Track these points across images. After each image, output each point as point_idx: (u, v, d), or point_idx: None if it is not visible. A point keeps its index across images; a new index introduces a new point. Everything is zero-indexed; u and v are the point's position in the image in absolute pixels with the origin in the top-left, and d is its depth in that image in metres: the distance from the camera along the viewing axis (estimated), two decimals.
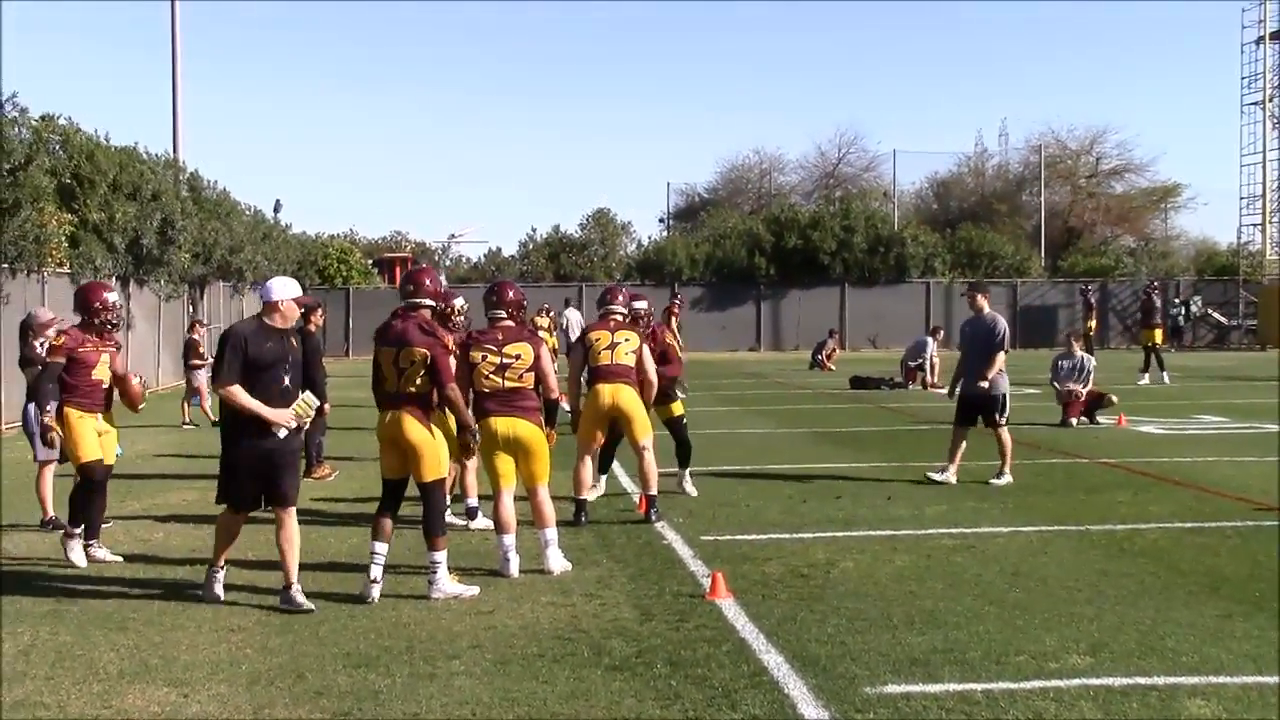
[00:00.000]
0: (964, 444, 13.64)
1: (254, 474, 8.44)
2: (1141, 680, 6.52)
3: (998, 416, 13.68)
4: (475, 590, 8.69)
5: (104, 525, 10.51)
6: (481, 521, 11.01)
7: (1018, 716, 6.01)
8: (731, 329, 51.63)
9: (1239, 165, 54.30)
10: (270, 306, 8.52)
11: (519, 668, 6.93)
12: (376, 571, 8.60)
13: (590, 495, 11.65)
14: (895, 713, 6.08)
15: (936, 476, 13.49)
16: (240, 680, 6.81)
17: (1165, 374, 28.54)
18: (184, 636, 7.69)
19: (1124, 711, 6.06)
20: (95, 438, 10.15)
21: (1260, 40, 51.52)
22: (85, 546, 10.01)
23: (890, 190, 66.87)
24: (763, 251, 52.93)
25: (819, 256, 52.41)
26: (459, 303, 11.37)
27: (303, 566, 8.68)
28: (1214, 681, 6.51)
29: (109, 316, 10.29)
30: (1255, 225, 53.82)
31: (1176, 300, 51.40)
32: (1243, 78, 53.64)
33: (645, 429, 11.55)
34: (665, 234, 66.87)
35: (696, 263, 53.82)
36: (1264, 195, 51.81)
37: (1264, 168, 51.74)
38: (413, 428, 8.63)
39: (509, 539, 9.23)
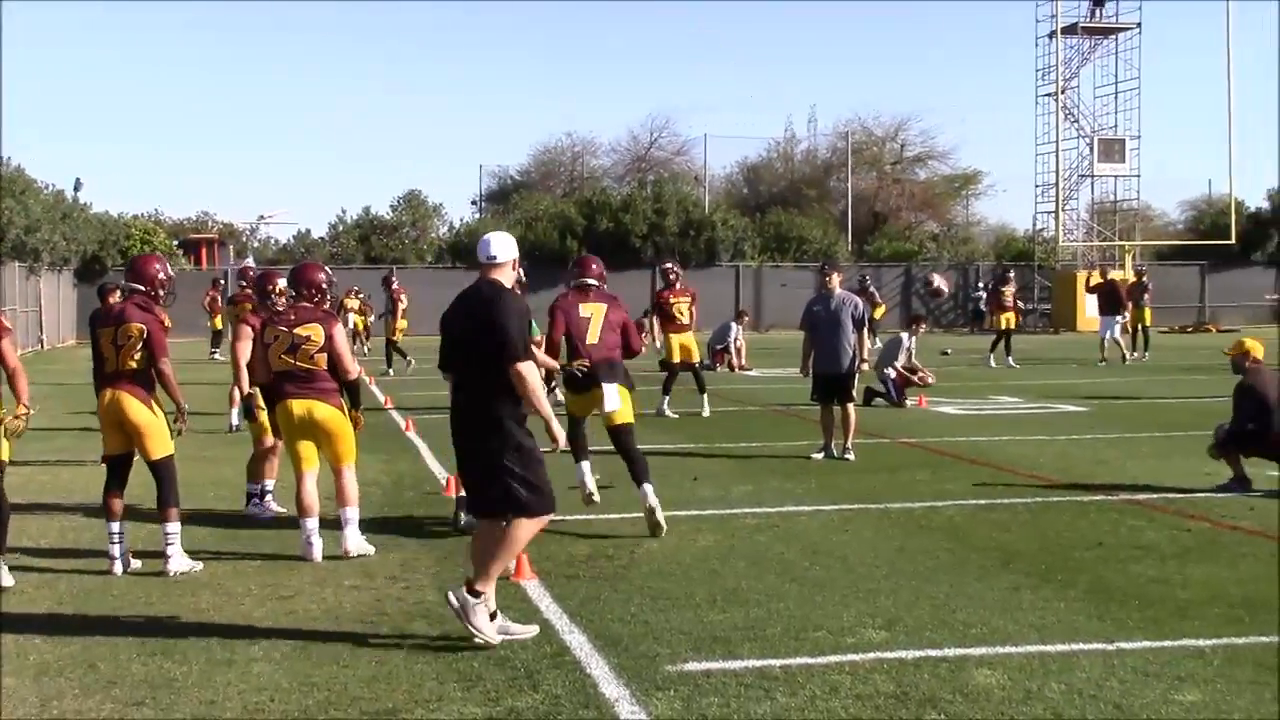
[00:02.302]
0: (833, 420, 14.03)
1: None
2: (933, 652, 6.71)
3: (853, 393, 14.12)
4: (200, 565, 8.81)
5: None
6: (264, 507, 10.86)
7: (814, 690, 6.12)
8: (543, 311, 51.33)
9: (1034, 154, 56.07)
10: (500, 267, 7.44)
11: (319, 652, 6.84)
12: (116, 549, 8.75)
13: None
14: (695, 689, 6.15)
15: (817, 456, 14.01)
16: (27, 672, 6.60)
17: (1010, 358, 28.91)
18: None
19: (915, 682, 6.22)
20: None
21: (1053, 34, 53.16)
22: None
23: (701, 174, 67.56)
24: (574, 234, 52.99)
25: (630, 239, 52.67)
26: (281, 283, 11.19)
27: (82, 554, 8.46)
28: (1000, 651, 6.73)
29: None
30: (1049, 213, 55.60)
31: (979, 285, 52.85)
32: (1037, 70, 55.37)
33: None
34: (477, 216, 66.56)
35: None
36: (1057, 184, 53.50)
37: (1057, 157, 53.44)
38: (133, 407, 8.78)
39: (311, 522, 9.12)
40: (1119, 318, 29.59)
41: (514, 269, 7.46)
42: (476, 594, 6.95)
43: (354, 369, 9.32)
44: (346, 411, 9.26)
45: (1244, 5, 73.62)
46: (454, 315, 7.41)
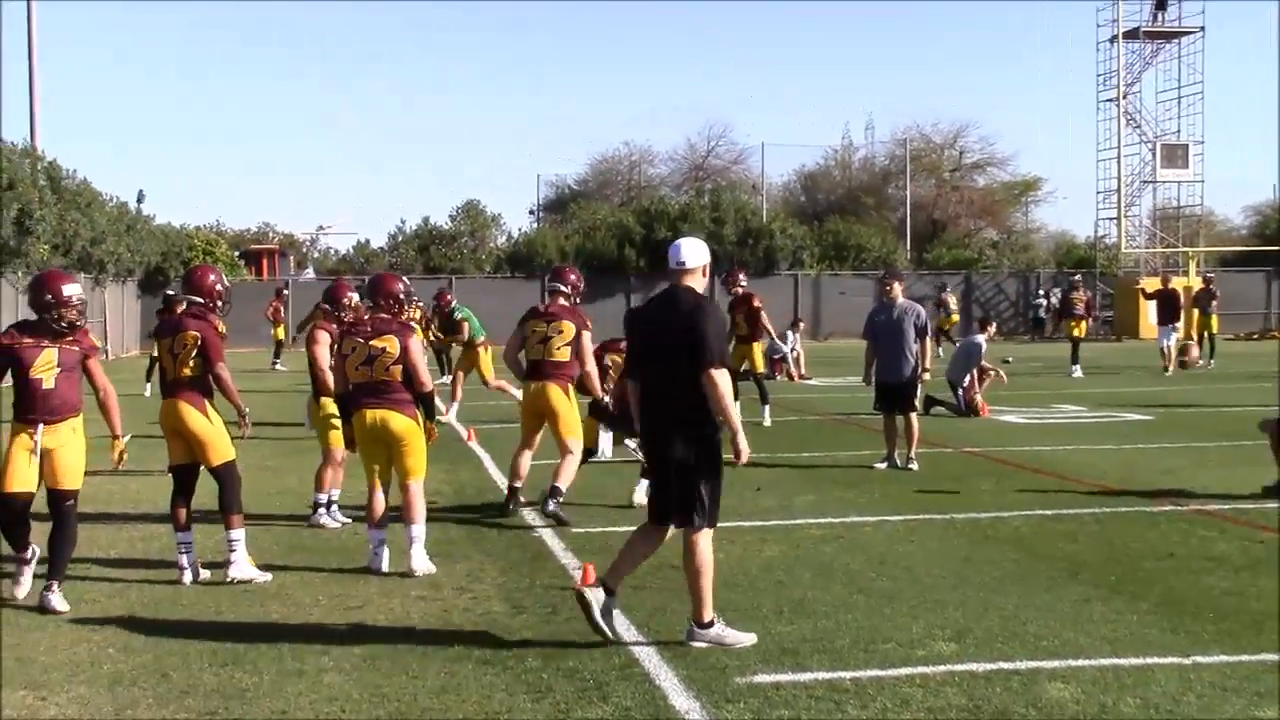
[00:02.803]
0: (896, 429, 14.01)
1: None
2: (1004, 665, 6.66)
3: (916, 403, 14.14)
4: (269, 577, 8.86)
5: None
6: (331, 517, 10.90)
7: (885, 703, 6.09)
8: (602, 321, 50.54)
9: (1095, 160, 55.63)
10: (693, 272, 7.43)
11: (389, 663, 6.87)
12: (185, 560, 8.87)
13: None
14: (765, 702, 6.14)
15: (880, 465, 13.98)
16: (101, 681, 6.67)
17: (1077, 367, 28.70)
18: (43, 638, 7.51)
19: (987, 695, 6.18)
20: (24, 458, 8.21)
21: (1114, 39, 52.73)
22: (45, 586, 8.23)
23: (759, 183, 67.47)
24: (632, 243, 52.98)
25: None
26: (354, 296, 11.32)
27: (152, 564, 8.53)
28: (1073, 664, 6.67)
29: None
30: (1111, 219, 55.12)
31: (1040, 292, 52.48)
32: (1098, 75, 54.95)
33: (569, 428, 11.26)
34: (535, 226, 66.76)
35: (567, 255, 53.68)
36: (1119, 190, 53.04)
37: (1119, 163, 52.99)
38: (190, 415, 8.88)
39: (380, 533, 9.17)
40: (1175, 325, 29.24)
41: (704, 275, 7.45)
42: (705, 625, 7.11)
43: (428, 381, 9.31)
44: (421, 423, 9.24)
45: None
46: (647, 321, 7.46)
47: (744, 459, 7.33)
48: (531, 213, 72.30)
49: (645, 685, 6.43)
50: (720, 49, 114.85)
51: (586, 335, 11.33)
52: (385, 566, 9.09)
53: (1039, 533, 10.26)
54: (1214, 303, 32.51)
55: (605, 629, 7.11)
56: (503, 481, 13.12)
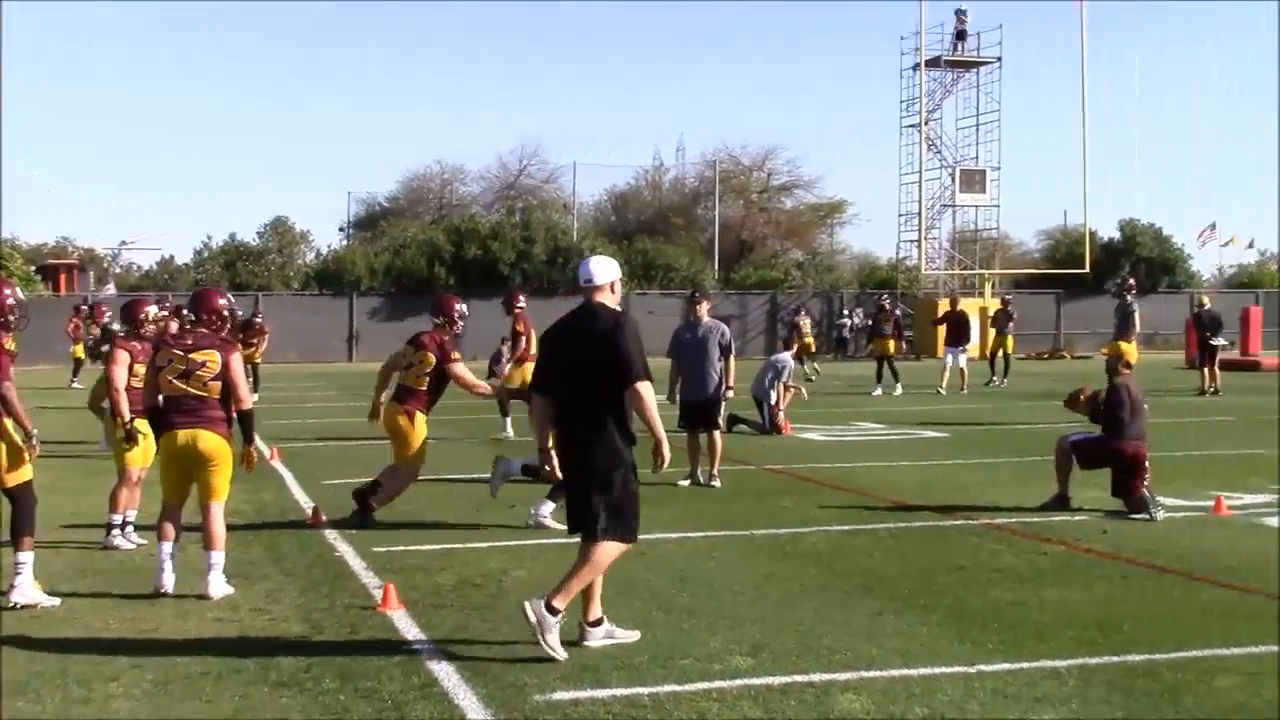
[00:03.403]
0: (700, 447, 14.11)
1: None
2: (799, 678, 6.79)
3: (720, 421, 14.25)
4: (57, 601, 8.56)
5: None
6: (126, 538, 10.66)
7: (682, 717, 6.17)
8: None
9: (898, 184, 57.03)
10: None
11: (181, 687, 6.73)
12: None
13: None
14: (564, 719, 6.17)
15: (683, 483, 13.99)
16: None
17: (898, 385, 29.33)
18: None
19: (782, 708, 6.31)
20: None
21: (917, 66, 54.16)
22: None
23: (570, 202, 67.61)
24: (443, 261, 52.71)
25: (499, 267, 52.55)
26: (152, 309, 11.10)
27: None
28: (864, 675, 6.84)
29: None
30: (912, 241, 56.54)
31: (844, 312, 53.57)
32: (901, 101, 56.39)
33: (400, 451, 11.97)
34: (345, 243, 65.94)
35: (376, 272, 53.25)
36: (920, 213, 54.42)
37: (920, 187, 54.35)
38: None
39: (168, 548, 8.92)
40: (964, 347, 30.09)
41: (614, 291, 7.63)
42: (554, 611, 7.18)
43: (249, 399, 9.12)
44: (232, 446, 9.01)
45: (1099, 41, 75.58)
46: (563, 337, 7.58)
47: (665, 465, 7.60)
48: (341, 230, 71.46)
49: (444, 704, 6.41)
50: (533, 67, 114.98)
51: (453, 366, 12.01)
52: (170, 586, 8.83)
53: (836, 548, 10.49)
54: (1011, 323, 33.57)
55: (549, 649, 7.14)
56: (305, 500, 12.98)
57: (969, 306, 49.14)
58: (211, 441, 8.93)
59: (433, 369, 11.93)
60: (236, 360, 9.12)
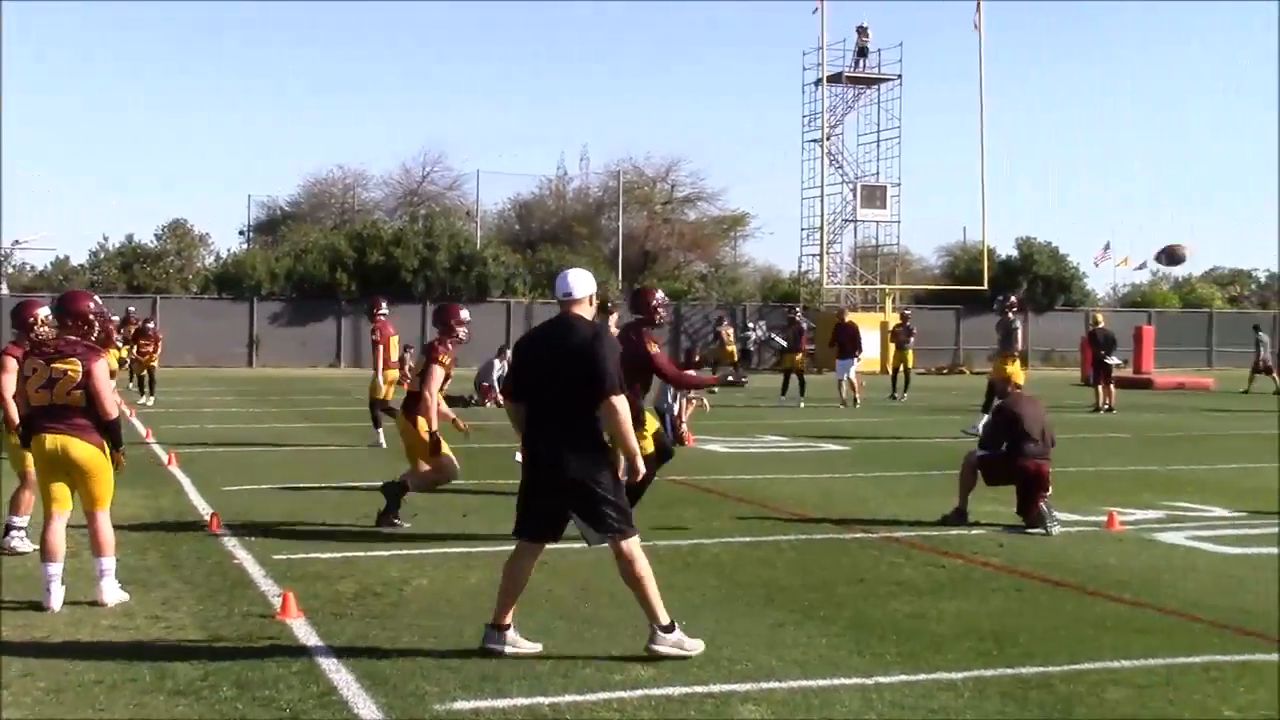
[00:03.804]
0: None
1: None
2: (699, 689, 6.81)
3: None
4: None
5: None
6: (24, 541, 10.48)
7: None
8: (312, 344, 50.80)
9: (800, 198, 57.56)
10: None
11: (74, 695, 6.62)
12: None
13: None
14: None
15: None
16: None
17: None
18: None
19: (682, 718, 6.33)
20: None
21: (819, 82, 54.67)
22: None
23: (473, 210, 67.40)
24: (345, 267, 52.37)
25: (401, 273, 52.29)
26: (42, 312, 10.80)
27: None
28: (764, 687, 6.88)
29: None
30: (814, 255, 57.04)
31: (749, 325, 53.86)
32: (803, 116, 56.93)
33: (421, 456, 12.15)
34: (245, 246, 65.23)
35: (277, 277, 52.77)
36: (822, 227, 54.91)
37: (822, 201, 54.84)
38: None
39: (54, 568, 8.60)
40: (856, 358, 30.47)
41: (591, 304, 7.70)
42: (668, 629, 7.40)
43: (113, 409, 8.79)
44: (107, 451, 8.78)
45: (997, 59, 76.61)
46: (541, 346, 7.67)
47: (638, 479, 7.63)
48: (241, 233, 70.61)
49: (343, 713, 6.36)
50: (437, 72, 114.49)
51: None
52: (57, 605, 8.53)
53: (738, 559, 10.55)
54: (911, 338, 34.01)
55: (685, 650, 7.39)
56: (203, 506, 12.81)
57: (869, 321, 49.88)
58: (83, 450, 8.65)
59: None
60: (100, 368, 8.76)
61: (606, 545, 7.49)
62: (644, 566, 7.44)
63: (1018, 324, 22.76)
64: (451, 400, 28.52)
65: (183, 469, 15.80)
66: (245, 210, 78.35)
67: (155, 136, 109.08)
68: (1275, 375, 37.37)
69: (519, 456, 11.16)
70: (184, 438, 19.74)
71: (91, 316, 9.06)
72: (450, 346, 12.49)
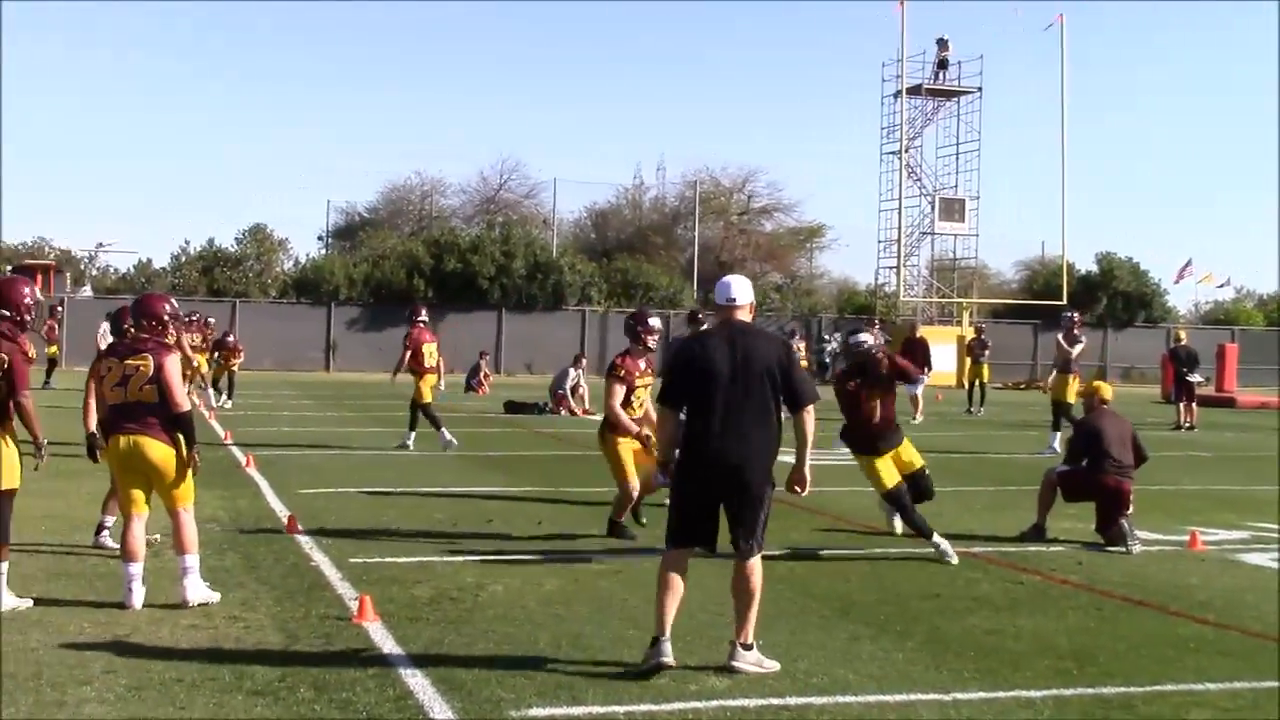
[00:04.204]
0: None
1: None
2: (774, 700, 6.79)
3: None
4: (29, 603, 8.47)
5: None
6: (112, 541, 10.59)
7: None
8: (388, 350, 50.61)
9: (877, 211, 57.31)
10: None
11: (156, 693, 6.69)
12: None
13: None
14: None
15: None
16: None
17: None
18: None
19: None
20: None
21: (898, 94, 54.42)
22: None
23: (550, 218, 67.67)
24: (421, 273, 52.71)
25: (478, 280, 52.56)
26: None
27: None
28: (840, 700, 6.84)
29: None
30: (890, 268, 56.76)
31: (825, 336, 53.62)
32: (882, 128, 56.67)
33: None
34: (324, 252, 65.86)
35: (355, 282, 53.18)
36: (899, 240, 54.65)
37: (899, 214, 54.60)
38: None
39: (134, 568, 8.69)
40: (925, 374, 30.21)
41: (751, 311, 7.74)
42: (748, 647, 7.39)
43: (184, 402, 8.84)
44: (181, 450, 8.80)
45: (1079, 74, 76.00)
46: (718, 353, 7.43)
47: (806, 490, 7.83)
48: (320, 238, 71.31)
49: (419, 717, 6.39)
50: (517, 80, 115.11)
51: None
52: (139, 604, 8.63)
53: (812, 572, 10.49)
54: (985, 352, 33.73)
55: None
56: (280, 509, 12.92)
57: (945, 334, 49.56)
58: (156, 450, 8.72)
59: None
60: (171, 362, 8.82)
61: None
62: (760, 584, 7.46)
63: (1082, 339, 22.54)
64: (523, 408, 28.91)
65: (260, 471, 15.95)
66: (324, 216, 79.09)
67: (239, 141, 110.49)
68: None
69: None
70: (261, 440, 19.94)
71: (166, 318, 9.20)
72: (633, 359, 12.15)
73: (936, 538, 11.02)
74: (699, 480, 7.43)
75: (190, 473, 8.93)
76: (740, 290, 7.66)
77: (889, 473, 11.42)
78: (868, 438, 11.60)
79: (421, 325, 20.35)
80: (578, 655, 7.64)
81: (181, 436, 8.82)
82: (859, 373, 11.68)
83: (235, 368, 29.96)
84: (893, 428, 11.72)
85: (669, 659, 7.16)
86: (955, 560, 10.75)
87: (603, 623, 8.47)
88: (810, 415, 7.52)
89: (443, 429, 19.54)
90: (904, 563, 11.01)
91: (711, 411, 7.36)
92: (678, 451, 7.59)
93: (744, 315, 7.63)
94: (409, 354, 20.08)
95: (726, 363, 7.37)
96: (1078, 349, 22.36)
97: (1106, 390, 12.79)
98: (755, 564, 7.43)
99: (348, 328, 50.84)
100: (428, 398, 19.90)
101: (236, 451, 18.21)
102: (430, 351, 20.13)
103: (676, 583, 7.39)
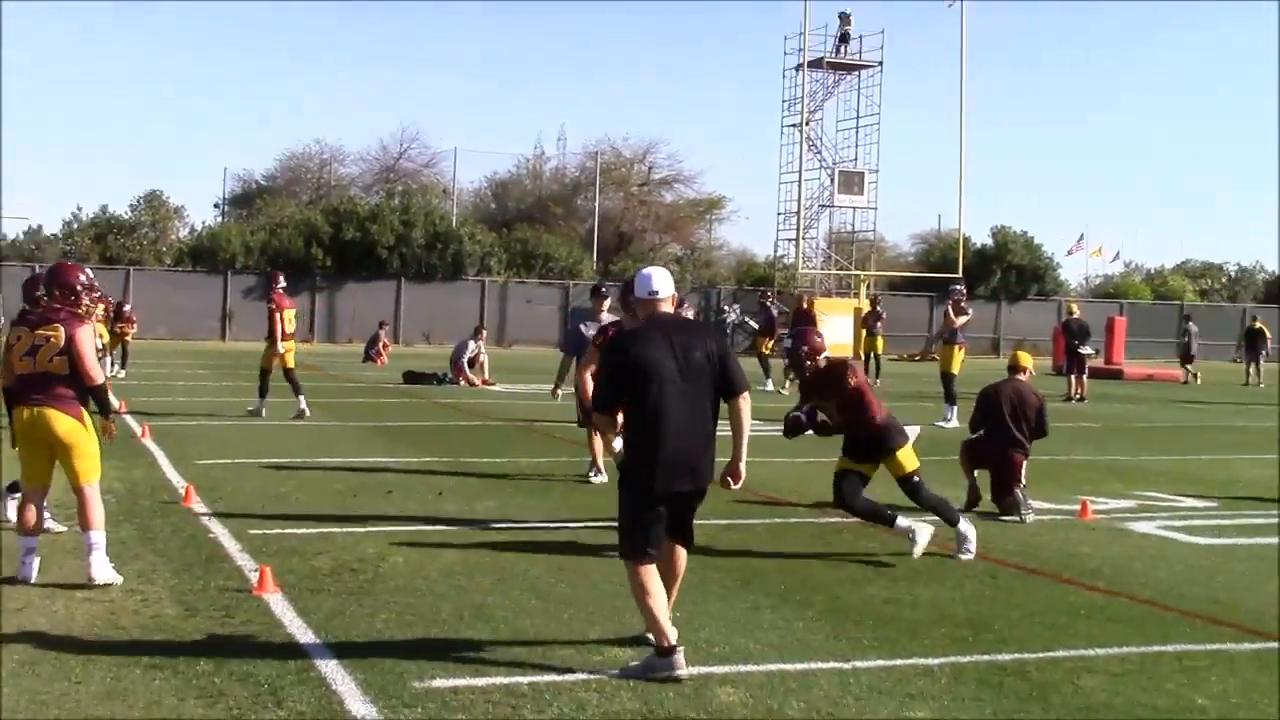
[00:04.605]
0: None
1: None
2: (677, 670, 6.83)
3: None
4: None
5: None
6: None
7: (561, 708, 6.19)
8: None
9: (777, 183, 57.63)
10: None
11: (50, 668, 6.60)
12: None
13: None
14: (443, 706, 6.15)
15: (596, 479, 13.53)
16: None
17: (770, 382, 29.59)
18: None
19: (661, 700, 6.35)
20: None
21: (800, 67, 54.68)
22: None
23: (450, 187, 67.32)
24: (320, 242, 52.26)
25: (377, 250, 52.19)
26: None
27: None
28: (742, 669, 6.91)
29: None
30: (789, 240, 57.09)
31: (724, 308, 53.83)
32: (783, 101, 56.92)
33: None
34: (220, 220, 64.95)
35: (252, 251, 52.56)
36: (799, 212, 54.97)
37: (799, 186, 54.94)
38: None
39: (30, 540, 8.53)
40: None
41: (673, 304, 7.39)
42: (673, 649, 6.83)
43: (97, 374, 8.63)
44: (91, 422, 8.61)
45: (977, 50, 76.67)
46: (656, 352, 6.97)
47: (739, 484, 7.56)
48: (216, 206, 70.28)
49: (322, 689, 6.36)
50: (416, 50, 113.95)
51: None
52: (33, 577, 8.45)
53: (714, 542, 10.53)
54: (880, 323, 34.10)
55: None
56: (177, 480, 12.77)
57: (843, 307, 50.02)
58: (61, 422, 8.50)
59: None
60: (83, 333, 8.61)
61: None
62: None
63: (969, 311, 22.82)
64: (422, 378, 28.77)
65: (156, 442, 15.75)
66: (221, 183, 77.96)
67: (133, 106, 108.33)
68: (1188, 366, 39.02)
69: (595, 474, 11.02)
70: (157, 410, 19.67)
71: (79, 288, 8.91)
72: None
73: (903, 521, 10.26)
74: (659, 486, 6.97)
75: (97, 447, 8.72)
76: (662, 282, 7.24)
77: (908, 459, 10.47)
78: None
79: (280, 292, 20.49)
80: (481, 626, 7.64)
81: (94, 409, 8.65)
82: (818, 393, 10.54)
83: (129, 337, 29.58)
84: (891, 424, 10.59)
85: (683, 670, 6.72)
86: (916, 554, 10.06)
87: (505, 593, 8.47)
88: (746, 402, 7.21)
89: (265, 399, 19.90)
90: (804, 533, 11.13)
91: (662, 414, 6.92)
92: (624, 456, 7.19)
93: (667, 308, 7.24)
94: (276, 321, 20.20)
95: (670, 360, 6.96)
96: (963, 320, 22.65)
97: (1023, 359, 12.97)
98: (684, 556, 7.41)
99: (244, 297, 50.18)
100: (271, 364, 20.09)
101: (131, 421, 17.92)
102: (289, 318, 20.30)
103: (659, 585, 6.98)
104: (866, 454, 10.40)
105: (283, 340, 19.93)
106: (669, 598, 7.16)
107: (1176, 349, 40.28)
